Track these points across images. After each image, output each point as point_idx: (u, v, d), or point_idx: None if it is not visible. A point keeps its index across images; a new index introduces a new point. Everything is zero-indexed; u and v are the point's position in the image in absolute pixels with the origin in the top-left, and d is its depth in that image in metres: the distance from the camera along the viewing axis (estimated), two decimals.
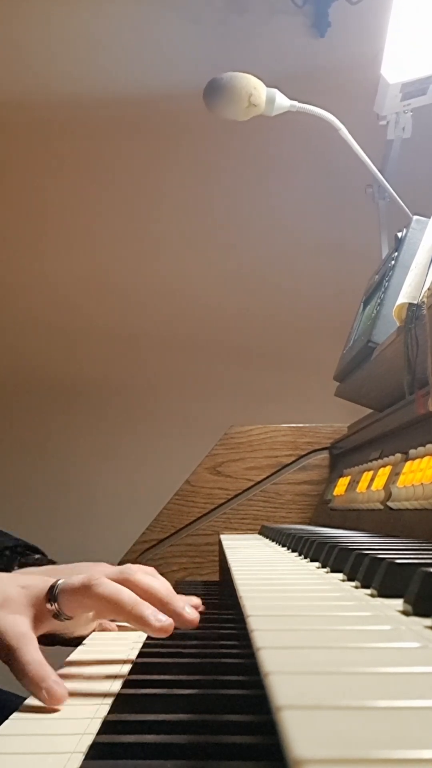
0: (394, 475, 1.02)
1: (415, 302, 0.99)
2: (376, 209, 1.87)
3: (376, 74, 1.73)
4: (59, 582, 0.68)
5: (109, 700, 0.55)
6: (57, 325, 2.59)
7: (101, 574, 0.69)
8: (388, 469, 1.07)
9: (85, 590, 0.67)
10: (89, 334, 2.59)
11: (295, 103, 1.66)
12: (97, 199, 2.64)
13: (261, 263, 2.59)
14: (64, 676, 0.63)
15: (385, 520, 1.04)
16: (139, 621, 0.66)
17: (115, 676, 0.65)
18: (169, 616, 0.67)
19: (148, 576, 0.72)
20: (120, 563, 1.62)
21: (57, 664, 0.65)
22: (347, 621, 0.43)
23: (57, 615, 0.67)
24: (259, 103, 1.61)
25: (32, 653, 0.62)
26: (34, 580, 0.71)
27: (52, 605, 0.67)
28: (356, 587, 0.57)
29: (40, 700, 0.57)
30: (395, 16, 1.71)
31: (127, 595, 0.67)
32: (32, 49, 2.64)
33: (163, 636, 0.66)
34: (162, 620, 0.66)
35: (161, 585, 0.71)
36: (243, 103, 1.60)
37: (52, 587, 0.67)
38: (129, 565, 0.79)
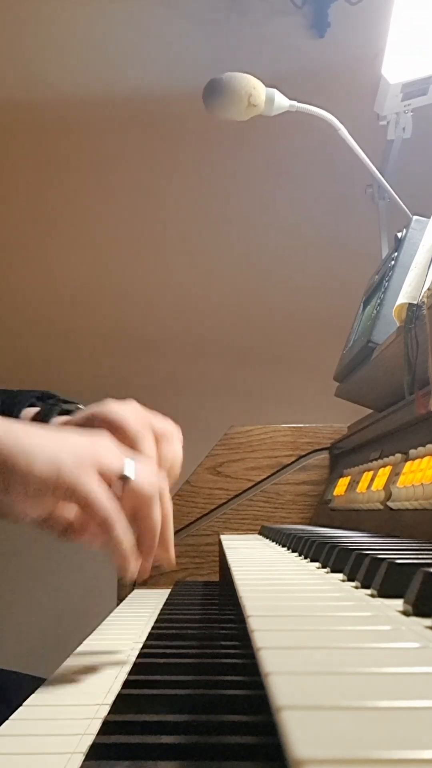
0: (394, 475, 1.02)
1: (415, 302, 0.99)
2: (376, 209, 1.87)
3: (376, 74, 1.73)
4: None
5: (110, 701, 0.55)
6: (57, 325, 2.59)
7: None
8: (388, 469, 1.07)
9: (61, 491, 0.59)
10: (90, 335, 2.59)
11: (295, 102, 1.66)
12: (97, 199, 2.64)
13: (261, 263, 2.59)
14: (62, 678, 0.63)
15: (385, 520, 1.04)
16: (117, 554, 0.61)
17: (115, 677, 0.65)
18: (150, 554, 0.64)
19: (157, 510, 0.67)
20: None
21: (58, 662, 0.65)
22: (347, 621, 0.43)
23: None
24: (259, 103, 1.61)
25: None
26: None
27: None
28: (356, 587, 0.57)
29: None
30: (395, 16, 1.71)
31: (121, 527, 0.61)
32: (33, 50, 2.64)
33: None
34: (133, 573, 0.62)
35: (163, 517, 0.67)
36: (242, 103, 1.60)
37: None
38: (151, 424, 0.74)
